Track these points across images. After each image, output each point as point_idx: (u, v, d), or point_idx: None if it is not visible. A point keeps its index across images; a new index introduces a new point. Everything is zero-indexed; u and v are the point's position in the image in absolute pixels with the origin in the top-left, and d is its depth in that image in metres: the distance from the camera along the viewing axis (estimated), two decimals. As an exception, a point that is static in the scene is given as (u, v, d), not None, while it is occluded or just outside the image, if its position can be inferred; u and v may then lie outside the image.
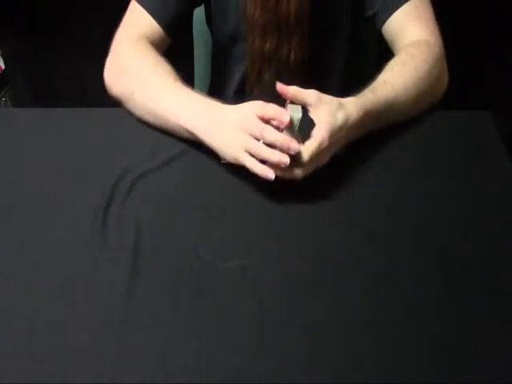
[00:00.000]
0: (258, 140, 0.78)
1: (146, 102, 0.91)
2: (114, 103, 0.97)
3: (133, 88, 0.93)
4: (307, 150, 0.78)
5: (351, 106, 0.82)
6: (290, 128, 0.78)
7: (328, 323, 0.69)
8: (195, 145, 0.88)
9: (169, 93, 0.89)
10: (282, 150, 0.77)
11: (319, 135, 0.78)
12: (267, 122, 0.79)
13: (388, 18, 1.01)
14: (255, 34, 1.04)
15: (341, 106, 0.81)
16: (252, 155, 0.78)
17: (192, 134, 0.86)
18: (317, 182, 0.85)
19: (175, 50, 1.05)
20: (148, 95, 0.91)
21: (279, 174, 0.78)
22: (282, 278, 0.74)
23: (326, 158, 0.81)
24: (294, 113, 0.78)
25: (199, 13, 1.19)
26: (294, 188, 0.84)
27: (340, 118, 0.80)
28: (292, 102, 0.80)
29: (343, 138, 0.82)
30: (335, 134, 0.80)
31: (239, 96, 1.16)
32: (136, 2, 1.02)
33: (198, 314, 0.70)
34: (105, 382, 0.64)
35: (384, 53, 1.04)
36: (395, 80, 0.90)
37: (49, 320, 0.70)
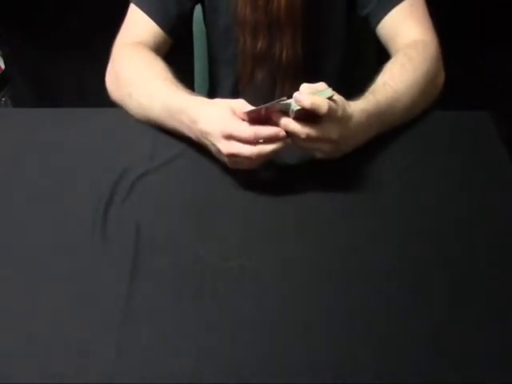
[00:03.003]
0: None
1: (142, 104, 0.92)
2: (114, 103, 0.97)
3: (129, 91, 0.93)
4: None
5: (355, 108, 0.83)
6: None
7: (328, 323, 0.69)
8: (195, 145, 0.88)
9: (160, 94, 0.89)
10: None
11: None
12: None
13: (382, 18, 1.00)
14: (246, 33, 1.04)
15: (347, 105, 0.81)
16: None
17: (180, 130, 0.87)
18: (317, 182, 0.85)
19: (175, 50, 1.06)
20: (143, 96, 0.91)
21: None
22: (282, 278, 0.74)
23: (333, 149, 0.81)
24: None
25: (199, 12, 1.19)
26: (293, 188, 0.84)
27: (346, 114, 0.80)
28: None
29: (351, 138, 0.82)
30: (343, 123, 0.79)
31: (235, 97, 1.16)
32: (135, 5, 1.02)
33: (197, 313, 0.70)
34: (105, 381, 0.64)
35: (382, 52, 1.04)
36: (395, 82, 0.90)
37: (49, 320, 0.70)
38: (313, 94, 0.76)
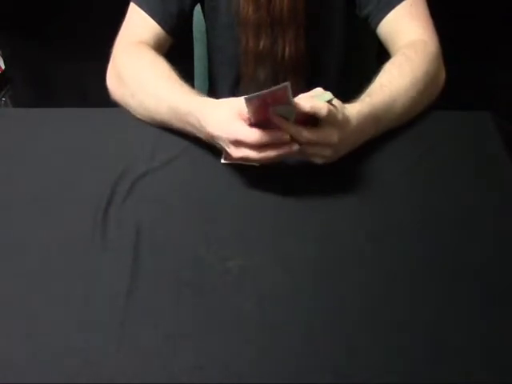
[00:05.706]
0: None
1: (147, 104, 0.91)
2: (114, 103, 0.97)
3: (132, 91, 0.93)
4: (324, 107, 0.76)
5: (352, 110, 0.83)
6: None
7: (328, 323, 0.69)
8: (195, 145, 0.88)
9: (166, 96, 0.88)
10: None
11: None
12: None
13: (382, 18, 1.00)
14: (249, 32, 1.04)
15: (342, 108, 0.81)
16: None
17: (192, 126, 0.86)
18: (317, 182, 0.85)
19: (175, 50, 1.06)
20: (147, 97, 0.91)
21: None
22: (282, 277, 0.74)
23: (332, 154, 0.81)
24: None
25: (199, 13, 1.19)
26: (293, 188, 0.84)
27: (341, 117, 0.80)
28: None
29: (348, 140, 0.82)
30: (340, 128, 0.79)
31: (235, 97, 1.16)
32: (135, 4, 1.02)
33: (197, 313, 0.70)
34: (105, 382, 0.64)
35: (383, 50, 1.04)
36: (392, 83, 0.90)
37: (49, 320, 0.70)
38: (312, 98, 0.76)
